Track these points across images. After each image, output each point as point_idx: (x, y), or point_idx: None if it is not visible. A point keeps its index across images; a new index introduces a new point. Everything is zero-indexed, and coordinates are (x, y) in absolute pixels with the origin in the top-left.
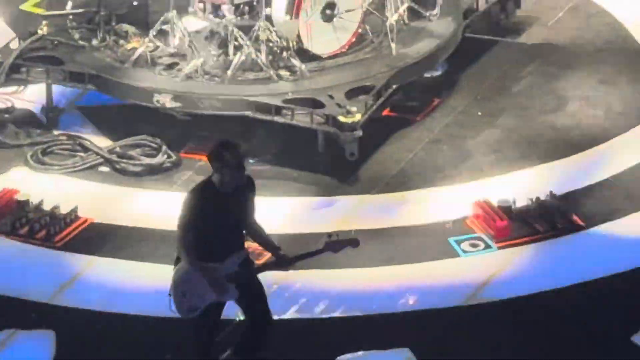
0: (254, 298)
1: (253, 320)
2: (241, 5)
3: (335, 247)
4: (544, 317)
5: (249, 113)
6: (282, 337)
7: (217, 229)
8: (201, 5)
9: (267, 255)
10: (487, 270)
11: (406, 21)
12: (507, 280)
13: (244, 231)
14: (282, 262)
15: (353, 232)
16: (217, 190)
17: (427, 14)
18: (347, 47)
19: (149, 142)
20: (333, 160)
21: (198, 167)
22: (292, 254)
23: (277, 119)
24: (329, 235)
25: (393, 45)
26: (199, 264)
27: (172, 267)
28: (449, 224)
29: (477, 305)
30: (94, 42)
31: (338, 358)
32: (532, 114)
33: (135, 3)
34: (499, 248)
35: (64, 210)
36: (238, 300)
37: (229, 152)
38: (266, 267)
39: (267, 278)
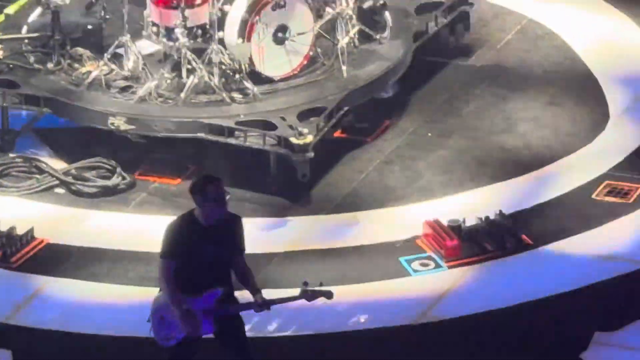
0: (231, 338)
1: None
2: (194, 29)
3: (310, 296)
4: (493, 336)
5: (202, 135)
6: None
7: (195, 262)
8: (155, 28)
9: None
10: (437, 289)
11: (357, 44)
12: (457, 299)
13: (229, 267)
14: (259, 304)
15: (321, 283)
16: (199, 223)
17: (378, 36)
18: (298, 69)
19: (104, 164)
20: (285, 181)
21: (152, 189)
22: (269, 297)
23: (230, 140)
24: (305, 283)
25: (344, 67)
26: (173, 296)
27: (128, 287)
28: (398, 243)
29: (428, 324)
30: (49, 65)
31: None
32: (481, 134)
33: (89, 27)
34: (449, 267)
35: (20, 231)
36: (216, 336)
37: (211, 186)
38: (242, 306)
39: None
